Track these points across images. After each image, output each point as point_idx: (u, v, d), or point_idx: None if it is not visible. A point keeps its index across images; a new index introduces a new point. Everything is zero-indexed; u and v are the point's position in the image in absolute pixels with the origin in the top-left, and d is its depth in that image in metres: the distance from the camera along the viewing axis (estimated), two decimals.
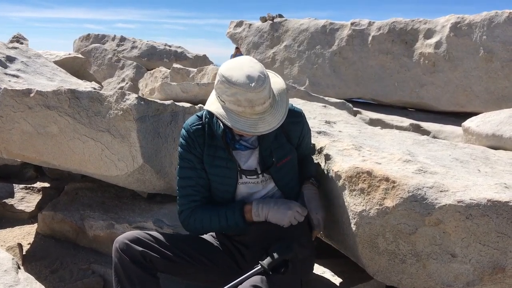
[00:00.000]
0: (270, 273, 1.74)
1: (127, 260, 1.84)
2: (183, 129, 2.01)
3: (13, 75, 5.02)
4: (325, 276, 2.46)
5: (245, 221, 1.93)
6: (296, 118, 2.05)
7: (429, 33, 7.13)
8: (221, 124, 1.91)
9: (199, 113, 2.03)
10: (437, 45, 6.97)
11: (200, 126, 1.98)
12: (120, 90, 2.71)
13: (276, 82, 1.91)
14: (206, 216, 1.96)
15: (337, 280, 2.43)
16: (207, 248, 2.01)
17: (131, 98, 2.64)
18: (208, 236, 2.08)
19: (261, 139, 1.96)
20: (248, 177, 1.99)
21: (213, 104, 1.83)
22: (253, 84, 1.69)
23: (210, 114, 1.96)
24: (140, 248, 1.85)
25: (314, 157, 2.37)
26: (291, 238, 1.88)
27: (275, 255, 1.77)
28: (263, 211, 1.91)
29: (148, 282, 1.86)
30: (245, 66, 1.74)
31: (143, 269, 1.85)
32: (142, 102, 2.67)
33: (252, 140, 1.98)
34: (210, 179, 2.00)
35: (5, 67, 5.12)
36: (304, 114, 2.11)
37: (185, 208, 1.99)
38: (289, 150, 2.03)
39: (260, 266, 1.75)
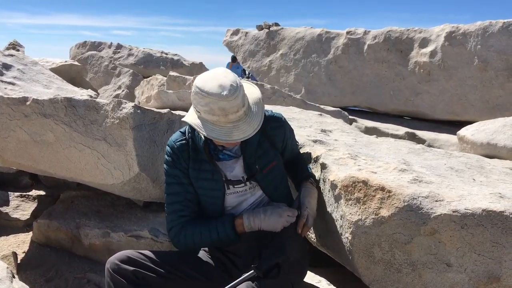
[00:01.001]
0: (263, 276, 1.74)
1: (120, 280, 1.84)
2: (167, 146, 2.03)
3: (9, 83, 5.00)
4: (321, 285, 2.46)
5: (236, 234, 1.94)
6: (277, 123, 2.08)
7: (424, 42, 7.17)
8: (202, 136, 1.94)
9: (182, 129, 2.06)
10: (432, 54, 7.01)
11: (184, 142, 2.00)
12: (116, 99, 2.72)
13: (252, 92, 1.94)
14: (196, 232, 1.96)
15: None
16: (199, 263, 2.01)
17: (128, 106, 2.65)
18: (199, 251, 2.08)
19: (244, 147, 1.98)
20: (235, 186, 1.99)
21: (190, 115, 1.85)
22: (225, 93, 1.71)
23: (192, 128, 1.97)
24: (132, 268, 1.85)
25: (310, 165, 2.38)
26: (283, 241, 1.89)
27: (268, 258, 1.78)
28: (255, 224, 1.92)
29: None
30: (218, 77, 1.77)
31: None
32: (139, 111, 2.67)
33: (235, 149, 2.00)
34: (198, 192, 2.01)
35: (1, 74, 5.10)
36: (284, 118, 2.14)
37: (175, 224, 1.99)
38: (274, 156, 2.05)
39: (252, 270, 1.76)
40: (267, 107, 2.82)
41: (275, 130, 2.06)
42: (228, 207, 2.02)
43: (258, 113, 1.85)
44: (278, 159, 2.07)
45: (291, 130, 2.20)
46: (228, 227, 1.93)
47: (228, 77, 1.77)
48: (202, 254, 2.06)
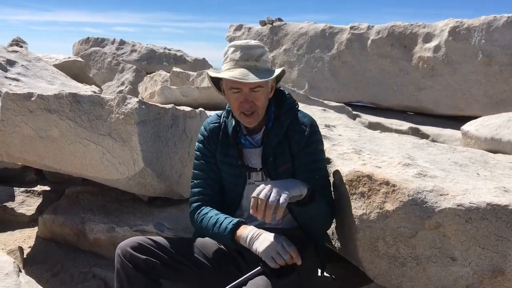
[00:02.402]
0: (269, 273, 1.75)
1: (130, 267, 1.84)
2: (202, 125, 2.14)
3: (14, 79, 5.02)
4: (325, 280, 2.47)
5: (233, 240, 1.87)
6: (301, 127, 2.02)
7: (428, 37, 7.15)
8: (233, 121, 2.03)
9: (219, 112, 2.15)
10: (436, 49, 6.99)
11: (217, 124, 2.10)
12: (121, 94, 2.73)
13: (280, 74, 2.03)
14: (206, 218, 1.99)
15: (337, 284, 2.44)
16: (209, 252, 2.02)
17: (133, 102, 2.65)
18: (210, 241, 2.08)
19: (264, 139, 2.01)
20: (254, 179, 2.03)
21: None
22: (246, 42, 1.93)
23: (227, 112, 2.09)
24: (143, 256, 1.86)
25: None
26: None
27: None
28: (251, 243, 1.81)
29: None
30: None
31: (146, 276, 1.86)
32: (143, 106, 2.68)
33: (256, 139, 2.04)
34: (222, 177, 2.09)
35: (6, 70, 5.12)
36: (313, 129, 2.03)
37: (194, 200, 2.07)
38: (290, 158, 2.04)
39: (260, 267, 1.76)
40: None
41: (296, 133, 2.01)
42: (246, 198, 2.05)
43: (267, 77, 1.89)
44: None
45: (316, 149, 2.02)
46: (228, 233, 1.87)
47: (259, 42, 1.98)
48: (213, 244, 2.05)
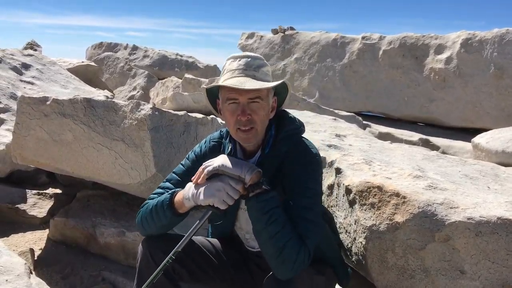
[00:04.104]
0: (220, 213, 1.68)
1: (155, 267, 1.76)
2: (205, 139, 2.02)
3: (28, 82, 5.11)
4: None
5: (172, 204, 1.78)
6: (296, 158, 1.76)
7: (439, 49, 7.16)
8: (230, 146, 1.88)
9: (223, 130, 2.01)
10: (448, 60, 6.99)
11: (216, 143, 1.96)
12: (135, 100, 2.76)
13: (284, 93, 1.86)
14: (148, 203, 1.87)
15: None
16: (230, 261, 2.00)
17: (146, 108, 2.69)
18: (231, 251, 2.04)
19: (258, 166, 1.80)
20: (243, 206, 1.88)
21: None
22: (246, 53, 1.77)
23: (226, 133, 1.95)
24: (174, 264, 1.81)
25: (324, 170, 2.38)
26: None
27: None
28: (191, 191, 1.73)
29: None
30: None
31: (169, 280, 1.85)
32: (157, 113, 2.71)
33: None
34: None
35: (21, 74, 5.21)
36: (309, 160, 1.77)
37: (150, 197, 1.92)
38: (282, 194, 1.74)
39: (209, 210, 1.69)
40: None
41: (289, 165, 1.77)
42: (238, 224, 1.97)
43: (267, 85, 1.71)
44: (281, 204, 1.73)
45: (306, 181, 1.73)
46: (168, 195, 1.80)
47: (260, 56, 1.82)
48: (234, 255, 2.03)
